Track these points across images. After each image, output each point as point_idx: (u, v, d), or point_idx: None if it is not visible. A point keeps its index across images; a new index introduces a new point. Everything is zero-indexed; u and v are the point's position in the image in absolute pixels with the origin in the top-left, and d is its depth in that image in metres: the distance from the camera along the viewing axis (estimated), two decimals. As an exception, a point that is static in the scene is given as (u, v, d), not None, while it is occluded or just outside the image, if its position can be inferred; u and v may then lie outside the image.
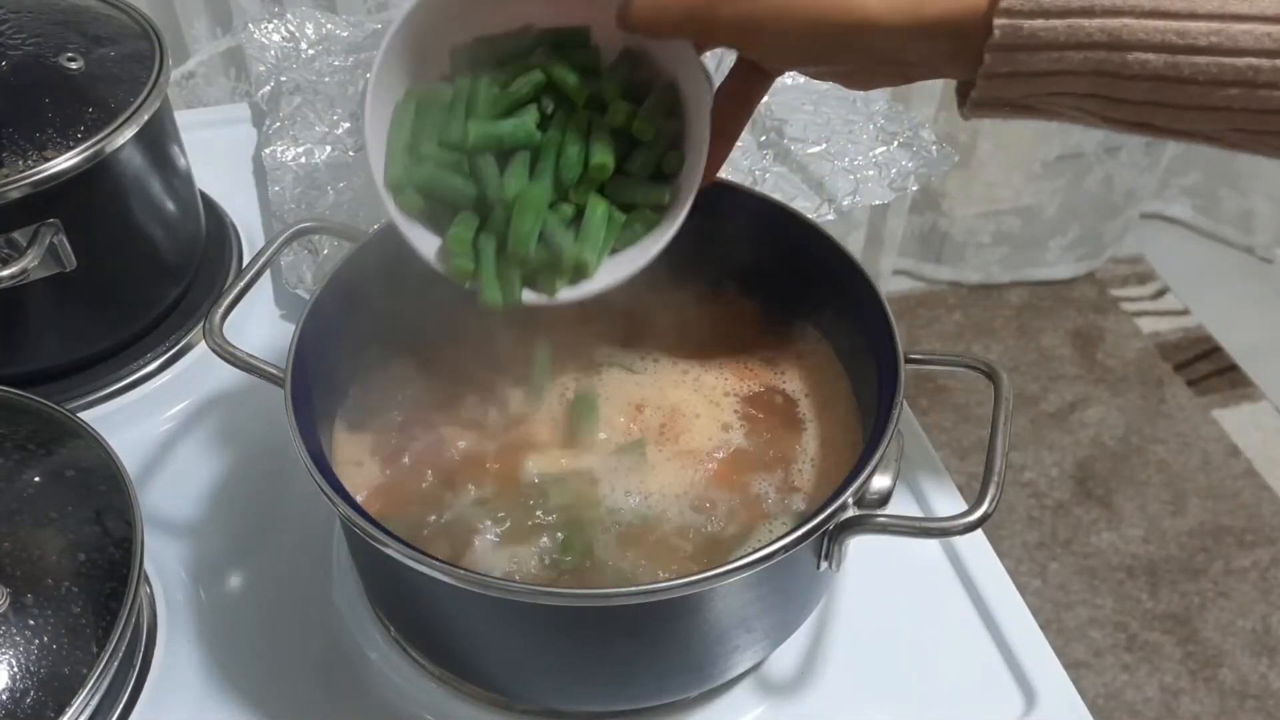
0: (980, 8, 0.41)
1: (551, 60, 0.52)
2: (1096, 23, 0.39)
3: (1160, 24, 0.39)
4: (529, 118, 0.52)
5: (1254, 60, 0.38)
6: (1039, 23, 0.40)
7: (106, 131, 0.62)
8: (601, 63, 0.54)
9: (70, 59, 0.64)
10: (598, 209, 0.52)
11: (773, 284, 0.62)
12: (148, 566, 0.60)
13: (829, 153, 0.80)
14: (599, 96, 0.53)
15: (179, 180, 0.72)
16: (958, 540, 0.62)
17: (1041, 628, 0.59)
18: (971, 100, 0.43)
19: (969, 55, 0.42)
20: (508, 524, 0.52)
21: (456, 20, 0.53)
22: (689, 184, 0.52)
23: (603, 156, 0.51)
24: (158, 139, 0.68)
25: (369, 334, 0.59)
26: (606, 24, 0.51)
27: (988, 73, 0.42)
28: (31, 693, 0.48)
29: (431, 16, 0.51)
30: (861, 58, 0.45)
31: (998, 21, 0.40)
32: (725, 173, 0.78)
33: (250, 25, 0.91)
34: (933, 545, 0.62)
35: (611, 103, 0.52)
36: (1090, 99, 0.42)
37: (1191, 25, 0.38)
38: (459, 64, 0.54)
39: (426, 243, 0.52)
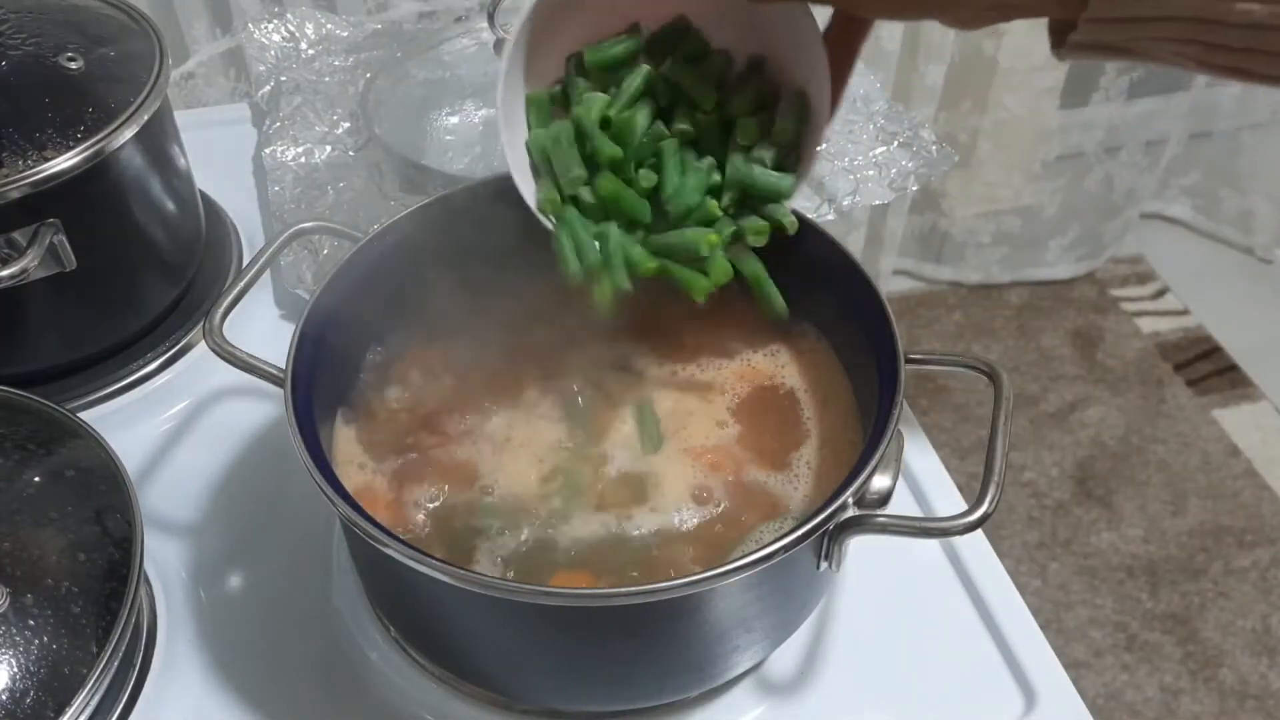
0: None
1: (659, 58, 0.54)
2: None
3: None
4: (643, 115, 0.53)
5: None
6: None
7: (106, 131, 0.62)
8: (709, 46, 0.55)
9: (70, 59, 0.64)
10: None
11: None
12: (147, 566, 0.60)
13: (829, 153, 0.79)
14: (712, 86, 0.54)
15: (179, 180, 0.72)
16: (958, 540, 0.62)
17: (1041, 628, 0.59)
18: (1071, 42, 0.43)
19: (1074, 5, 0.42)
20: (507, 524, 0.52)
21: (569, 22, 0.53)
22: (810, 152, 0.54)
23: (783, 183, 0.54)
24: (158, 139, 0.68)
25: (369, 334, 0.59)
26: (717, 17, 0.51)
27: (1091, 16, 0.42)
28: (31, 693, 0.48)
29: (544, 20, 0.51)
30: (970, 6, 0.45)
31: None
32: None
33: (250, 25, 0.91)
34: (933, 545, 0.62)
35: (740, 120, 0.54)
36: (1190, 44, 0.42)
37: None
38: (571, 72, 0.55)
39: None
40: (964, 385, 1.73)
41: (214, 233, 0.79)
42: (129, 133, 0.63)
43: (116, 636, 0.50)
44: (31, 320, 0.67)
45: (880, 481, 0.48)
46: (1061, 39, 0.44)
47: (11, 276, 0.60)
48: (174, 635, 0.58)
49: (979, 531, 0.48)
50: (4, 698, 0.47)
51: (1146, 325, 1.87)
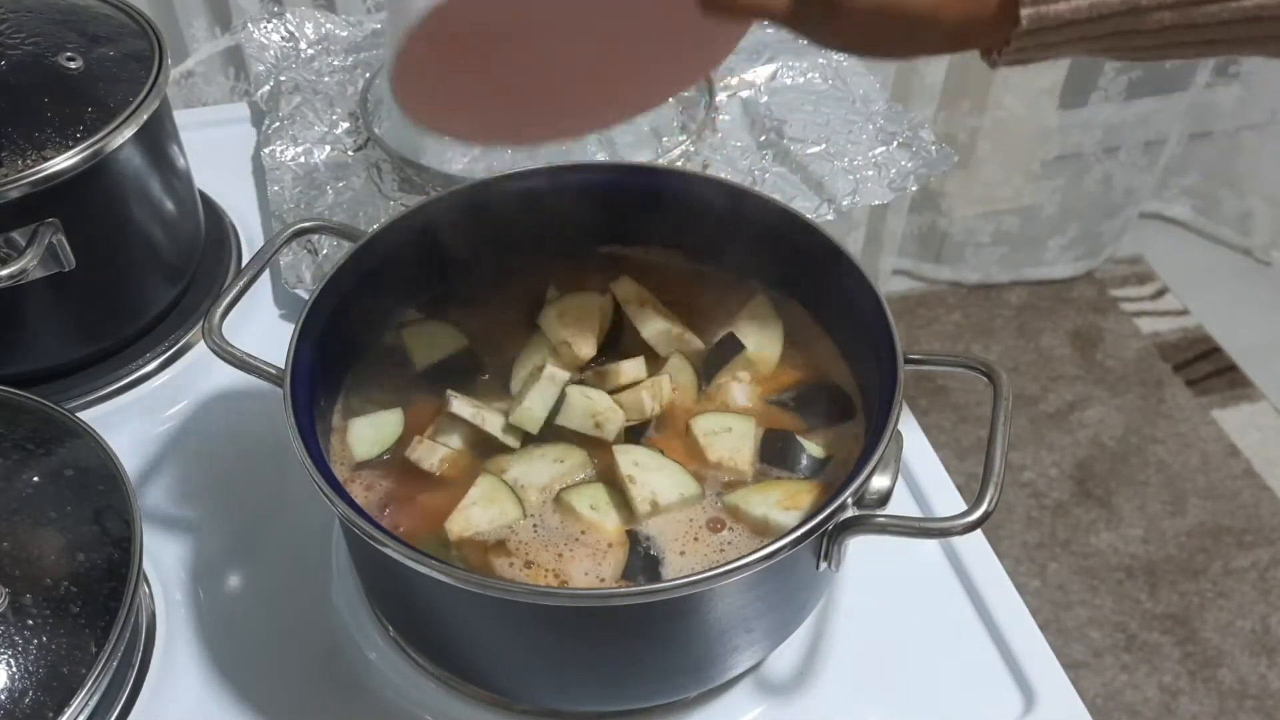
0: (992, 7, 0.43)
1: None
2: None
3: None
4: None
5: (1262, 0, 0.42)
6: (1063, 6, 0.42)
7: (106, 131, 0.62)
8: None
9: (69, 58, 0.64)
10: None
11: (772, 284, 0.62)
12: (147, 566, 0.60)
13: (829, 153, 0.79)
14: None
15: (178, 180, 0.72)
16: (957, 540, 0.62)
17: (1041, 628, 0.59)
18: (995, 63, 0.46)
19: (999, 38, 0.45)
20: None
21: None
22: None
23: None
24: (157, 138, 0.68)
25: (369, 333, 0.59)
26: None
27: (1016, 48, 0.44)
28: (30, 692, 0.48)
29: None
30: (917, 46, 0.47)
31: (1024, 11, 0.43)
32: (725, 173, 0.78)
33: (249, 25, 0.91)
34: (932, 545, 0.62)
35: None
36: (1108, 50, 0.45)
37: None
38: None
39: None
40: (963, 385, 1.73)
41: (213, 232, 0.79)
42: (128, 132, 0.63)
43: (115, 636, 0.50)
44: (31, 320, 0.66)
45: (880, 482, 0.48)
46: (989, 57, 0.47)
47: (11, 276, 0.60)
48: (173, 635, 0.58)
49: (978, 531, 0.48)
50: (3, 697, 0.47)
51: (1146, 325, 1.87)
